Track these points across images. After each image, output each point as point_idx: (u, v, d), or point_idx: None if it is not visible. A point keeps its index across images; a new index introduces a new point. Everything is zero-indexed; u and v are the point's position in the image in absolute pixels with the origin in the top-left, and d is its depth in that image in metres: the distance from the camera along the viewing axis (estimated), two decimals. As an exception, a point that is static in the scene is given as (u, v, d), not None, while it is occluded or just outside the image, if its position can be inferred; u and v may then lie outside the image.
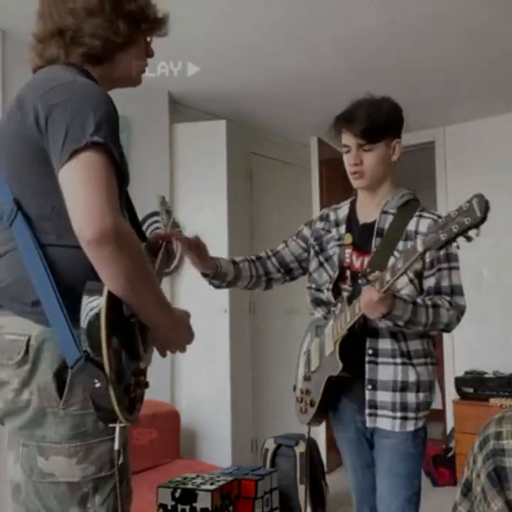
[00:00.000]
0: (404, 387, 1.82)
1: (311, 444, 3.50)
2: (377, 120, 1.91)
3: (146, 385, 1.33)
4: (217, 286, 2.05)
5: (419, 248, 1.56)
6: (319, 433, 4.35)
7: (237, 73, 3.61)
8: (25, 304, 1.21)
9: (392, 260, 1.77)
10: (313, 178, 4.56)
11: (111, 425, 1.18)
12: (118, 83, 1.45)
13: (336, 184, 4.91)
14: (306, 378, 2.03)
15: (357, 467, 1.99)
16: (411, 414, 1.84)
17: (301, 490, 3.33)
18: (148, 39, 1.44)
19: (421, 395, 1.84)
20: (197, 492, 1.36)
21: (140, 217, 3.97)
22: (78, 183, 1.14)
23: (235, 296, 3.90)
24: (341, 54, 3.40)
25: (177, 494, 1.50)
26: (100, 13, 1.31)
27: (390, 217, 1.91)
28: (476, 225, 1.53)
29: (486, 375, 4.02)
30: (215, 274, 1.98)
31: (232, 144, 3.93)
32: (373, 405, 1.83)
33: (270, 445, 3.49)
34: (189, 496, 1.40)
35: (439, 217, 1.82)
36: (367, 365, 1.83)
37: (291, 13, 2.92)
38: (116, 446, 1.20)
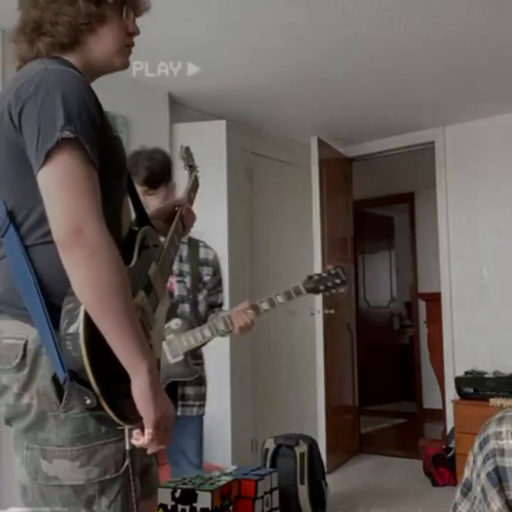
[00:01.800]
0: (201, 382, 2.40)
1: (312, 445, 3.50)
2: (155, 169, 2.29)
3: None
4: None
5: (304, 291, 2.29)
6: (320, 434, 4.36)
7: (237, 73, 3.61)
8: (20, 308, 1.19)
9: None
10: (313, 178, 4.57)
11: (119, 428, 1.17)
12: (101, 69, 1.34)
13: (335, 184, 4.91)
14: None
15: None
16: (203, 402, 2.43)
17: (302, 490, 3.33)
18: (126, 15, 1.32)
19: (206, 387, 2.45)
20: (197, 492, 1.36)
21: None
22: (54, 191, 1.12)
23: (235, 296, 3.89)
24: (341, 54, 3.40)
25: (177, 494, 1.50)
26: None
27: (185, 246, 2.40)
28: (341, 286, 2.32)
29: (486, 375, 4.02)
30: None
31: (232, 144, 3.93)
32: (184, 398, 2.35)
33: (270, 445, 3.49)
34: (189, 495, 1.41)
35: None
36: None
37: (291, 13, 2.92)
38: (127, 446, 1.18)
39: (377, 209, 7.00)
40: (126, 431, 1.17)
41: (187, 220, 1.64)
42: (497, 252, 4.39)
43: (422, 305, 5.87)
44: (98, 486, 1.20)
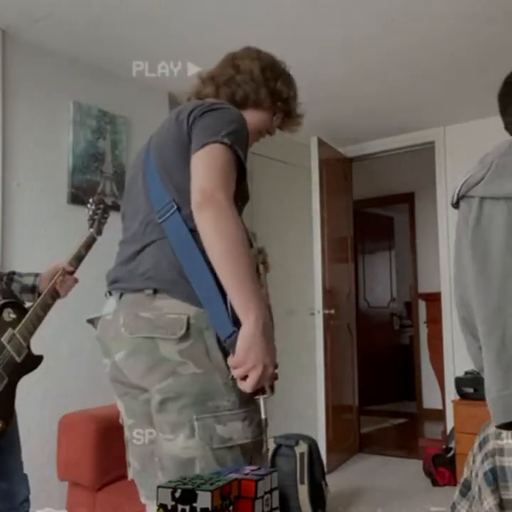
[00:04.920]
0: None
1: (312, 445, 3.50)
2: None
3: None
4: None
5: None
6: (320, 433, 4.36)
7: (237, 73, 3.61)
8: (179, 288, 1.37)
9: None
10: (313, 178, 4.57)
11: (255, 397, 1.34)
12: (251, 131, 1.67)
13: (335, 184, 4.92)
14: None
15: None
16: None
17: (302, 490, 3.33)
18: (276, 118, 1.74)
19: None
20: (197, 492, 1.35)
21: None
22: (201, 165, 1.38)
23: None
24: (341, 54, 3.40)
25: (177, 494, 1.49)
26: (253, 76, 1.71)
27: None
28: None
29: (486, 375, 4.02)
30: None
31: (232, 144, 3.93)
32: None
33: (270, 445, 3.49)
34: (189, 496, 1.40)
35: None
36: None
37: (291, 13, 2.92)
38: (262, 415, 1.36)
39: (377, 209, 7.01)
40: (262, 400, 1.35)
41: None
42: (497, 252, 4.39)
43: (422, 305, 5.88)
44: (253, 445, 1.38)
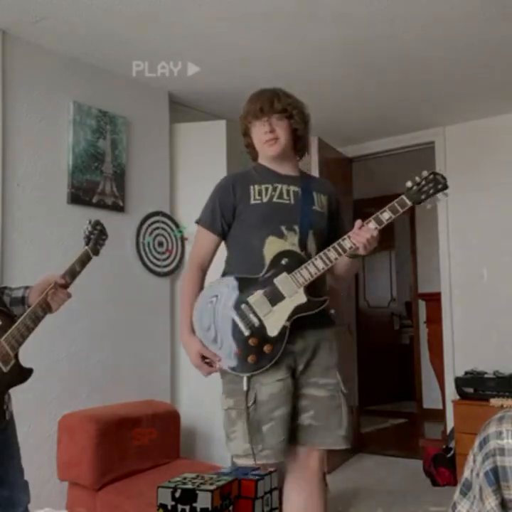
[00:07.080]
0: None
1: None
2: None
3: (261, 344, 2.05)
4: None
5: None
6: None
7: (237, 73, 3.61)
8: None
9: None
10: (313, 178, 4.55)
11: (240, 375, 2.06)
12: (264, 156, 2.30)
13: (336, 184, 4.90)
14: None
15: None
16: None
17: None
18: (254, 129, 2.26)
19: None
20: (197, 492, 1.36)
21: (140, 217, 3.96)
22: None
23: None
24: (341, 54, 3.40)
25: (177, 494, 1.49)
26: None
27: None
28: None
29: (486, 375, 4.02)
30: None
31: (232, 143, 3.93)
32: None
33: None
34: (189, 496, 1.40)
35: None
36: None
37: (291, 13, 2.92)
38: (244, 387, 2.04)
39: (377, 209, 7.00)
40: (245, 378, 2.04)
41: (354, 238, 2.19)
42: (497, 252, 4.39)
43: (422, 305, 5.87)
44: (236, 412, 2.09)
